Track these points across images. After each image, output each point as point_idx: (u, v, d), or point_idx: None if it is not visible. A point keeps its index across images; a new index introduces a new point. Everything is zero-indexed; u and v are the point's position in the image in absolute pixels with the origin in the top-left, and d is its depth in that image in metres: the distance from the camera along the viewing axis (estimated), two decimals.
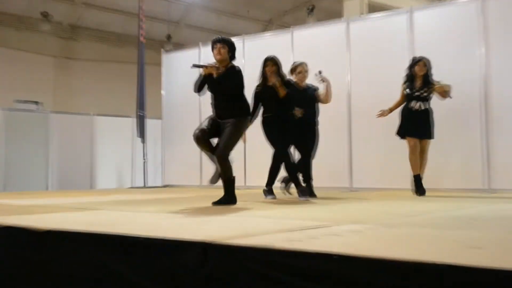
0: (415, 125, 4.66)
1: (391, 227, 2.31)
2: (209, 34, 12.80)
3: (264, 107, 4.33)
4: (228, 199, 3.67)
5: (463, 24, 5.50)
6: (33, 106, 9.10)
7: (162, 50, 8.72)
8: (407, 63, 5.71)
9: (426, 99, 4.70)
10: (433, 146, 5.55)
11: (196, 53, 7.73)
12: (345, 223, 2.44)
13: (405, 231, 2.18)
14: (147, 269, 1.91)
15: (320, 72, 4.58)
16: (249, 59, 6.97)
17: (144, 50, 8.53)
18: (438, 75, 5.58)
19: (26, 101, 8.96)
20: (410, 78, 4.72)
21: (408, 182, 5.11)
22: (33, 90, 11.64)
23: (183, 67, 7.68)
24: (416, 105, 4.66)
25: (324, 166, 5.34)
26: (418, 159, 4.73)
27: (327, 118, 5.26)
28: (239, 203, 3.77)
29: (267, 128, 4.26)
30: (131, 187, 8.52)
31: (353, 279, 1.45)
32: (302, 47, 6.38)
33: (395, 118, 4.90)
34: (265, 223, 2.53)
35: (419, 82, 4.69)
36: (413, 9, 5.87)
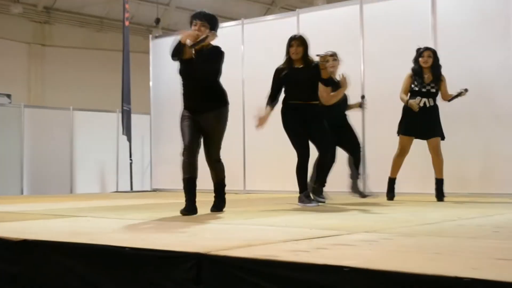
0: (417, 123, 4.66)
1: (408, 236, 2.33)
2: None
3: (286, 93, 4.23)
4: (224, 204, 3.75)
5: (495, 6, 5.50)
6: (4, 100, 9.12)
7: (150, 35, 8.73)
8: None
9: (434, 95, 4.73)
10: (456, 147, 5.58)
11: None
12: (358, 232, 2.46)
13: (424, 241, 2.20)
14: (133, 284, 1.93)
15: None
16: (249, 46, 6.99)
17: (129, 36, 8.54)
18: (462, 64, 5.61)
19: None
20: (418, 72, 4.71)
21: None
22: (4, 81, 11.65)
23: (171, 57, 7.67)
24: (420, 101, 4.68)
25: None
26: (401, 163, 4.83)
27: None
28: (239, 209, 3.80)
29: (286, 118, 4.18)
30: (116, 192, 8.55)
31: None
32: (310, 33, 6.29)
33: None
34: (268, 232, 2.55)
35: (428, 75, 4.71)
36: None
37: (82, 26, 13.06)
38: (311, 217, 3.38)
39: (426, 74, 4.71)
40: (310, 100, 4.16)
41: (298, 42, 4.16)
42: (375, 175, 5.68)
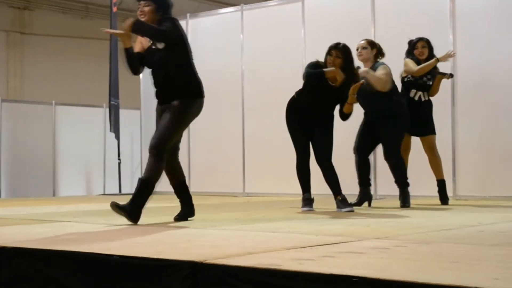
0: (413, 120, 4.62)
1: (424, 244, 2.34)
2: (199, 3, 12.84)
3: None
4: (130, 211, 3.21)
5: None
6: None
7: None
8: (448, 38, 5.74)
9: (428, 89, 4.73)
10: (476, 147, 5.58)
11: (183, 26, 7.73)
12: (368, 239, 2.47)
13: (440, 249, 2.21)
14: None
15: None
16: (249, 35, 6.99)
17: (117, 23, 8.54)
18: (485, 54, 5.61)
19: None
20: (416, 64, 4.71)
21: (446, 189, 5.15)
22: None
23: None
24: (415, 94, 4.69)
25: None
26: (407, 161, 4.78)
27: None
28: (238, 214, 3.80)
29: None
30: (103, 194, 8.56)
31: None
32: (316, 20, 6.39)
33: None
34: (269, 239, 2.56)
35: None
36: None
37: (65, 12, 13.06)
38: (317, 222, 3.40)
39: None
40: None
41: (337, 53, 4.12)
42: (386, 177, 5.69)
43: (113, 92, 8.22)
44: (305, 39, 6.38)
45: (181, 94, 3.38)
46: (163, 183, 7.92)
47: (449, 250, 2.18)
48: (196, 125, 7.47)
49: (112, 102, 8.24)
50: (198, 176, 7.47)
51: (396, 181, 4.55)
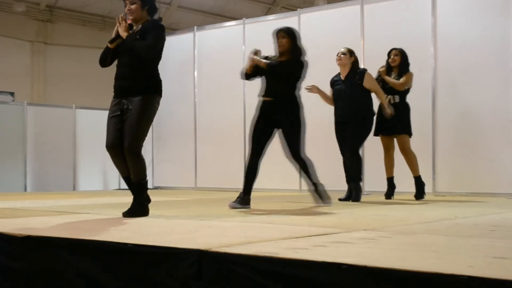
0: (383, 121, 4.70)
1: (407, 235, 2.34)
2: (205, 16, 12.83)
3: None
4: (140, 210, 3.16)
5: (492, 7, 5.51)
6: (7, 98, 9.14)
7: None
8: (429, 50, 5.76)
9: (399, 92, 4.76)
10: (453, 148, 5.59)
11: (190, 38, 7.75)
12: (356, 230, 2.48)
13: (422, 239, 2.22)
14: (135, 280, 1.94)
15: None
16: (250, 46, 6.96)
17: None
18: (461, 61, 5.62)
19: (1, 92, 9.00)
20: (388, 71, 4.84)
21: (426, 185, 5.15)
22: (7, 79, 11.67)
23: (176, 54, 7.70)
24: (387, 98, 4.74)
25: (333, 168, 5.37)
26: (391, 160, 4.80)
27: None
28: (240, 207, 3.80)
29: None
30: (118, 189, 8.56)
31: None
32: (311, 33, 6.38)
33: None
34: (268, 230, 2.56)
35: (395, 74, 4.81)
36: None
37: (84, 24, 13.07)
38: (310, 215, 3.40)
39: (394, 72, 4.82)
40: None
41: (282, 34, 3.91)
42: (372, 175, 5.71)
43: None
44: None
45: (146, 89, 3.17)
46: (167, 180, 7.86)
47: (429, 241, 2.18)
48: (201, 125, 7.53)
49: None
50: (203, 173, 7.47)
51: (351, 176, 4.50)
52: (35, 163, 8.42)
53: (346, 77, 4.63)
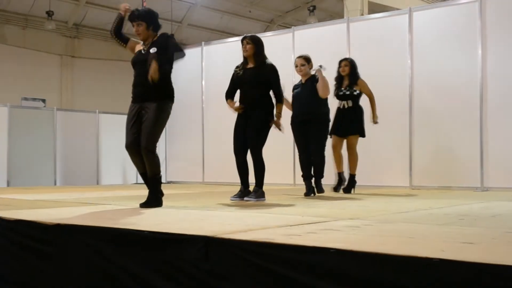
0: (339, 123, 4.65)
1: (386, 223, 2.34)
2: (211, 33, 12.84)
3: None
4: (155, 201, 3.17)
5: (461, 25, 5.52)
6: (40, 104, 9.14)
7: None
8: (407, 62, 5.78)
9: (351, 98, 4.69)
10: (428, 146, 5.61)
11: (198, 52, 7.76)
12: (343, 219, 2.47)
13: (400, 227, 2.21)
14: (151, 262, 1.94)
15: (320, 66, 4.35)
16: None
17: None
18: (435, 73, 5.63)
19: (34, 99, 9.00)
20: (339, 80, 4.76)
21: (403, 180, 5.15)
22: (39, 88, 11.68)
23: (185, 66, 7.70)
24: (341, 104, 4.71)
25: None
26: (340, 156, 4.71)
27: None
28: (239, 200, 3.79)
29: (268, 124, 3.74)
30: (135, 183, 8.56)
31: (350, 273, 1.48)
32: (303, 47, 6.38)
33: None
34: (266, 219, 2.56)
35: (346, 82, 4.74)
36: (413, 9, 5.88)
37: (106, 40, 13.06)
38: (303, 206, 3.39)
39: (345, 81, 4.74)
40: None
41: (248, 40, 3.77)
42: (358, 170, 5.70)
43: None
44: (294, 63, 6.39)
45: (162, 96, 3.16)
46: (178, 175, 7.86)
47: (406, 228, 2.18)
48: (208, 127, 7.52)
49: None
50: (209, 169, 7.48)
51: (316, 173, 4.35)
52: (63, 161, 8.42)
53: (306, 81, 4.45)
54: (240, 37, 3.76)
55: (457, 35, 5.53)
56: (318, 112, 4.36)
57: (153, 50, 3.16)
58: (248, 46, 3.80)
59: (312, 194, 4.34)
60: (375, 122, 4.79)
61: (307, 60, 4.47)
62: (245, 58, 3.82)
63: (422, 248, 1.58)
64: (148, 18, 3.23)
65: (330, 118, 4.51)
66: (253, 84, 3.72)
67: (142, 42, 3.29)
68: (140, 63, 3.22)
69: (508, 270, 1.27)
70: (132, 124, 3.23)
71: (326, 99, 4.42)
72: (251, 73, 3.76)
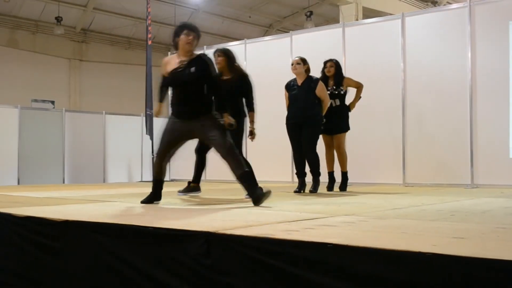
0: (328, 122, 4.52)
1: (381, 219, 2.33)
2: (213, 37, 12.82)
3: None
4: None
5: (451, 29, 5.52)
6: (49, 105, 9.13)
7: (168, 52, 8.73)
8: (399, 65, 5.78)
9: (338, 97, 4.60)
10: (424, 144, 5.60)
11: None
12: (339, 215, 2.46)
13: (393, 223, 2.21)
14: (155, 257, 1.93)
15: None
16: (250, 62, 6.99)
17: (151, 53, 8.54)
18: (427, 75, 5.63)
19: (43, 101, 8.99)
20: (324, 80, 4.61)
21: (397, 177, 5.14)
22: (48, 90, 11.68)
23: None
24: (329, 102, 4.55)
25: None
26: (332, 156, 4.64)
27: None
28: (242, 196, 3.79)
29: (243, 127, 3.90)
30: (141, 181, 8.56)
31: (346, 266, 1.48)
32: (301, 51, 6.37)
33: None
34: (265, 215, 2.55)
35: (331, 82, 4.63)
36: (405, 15, 5.88)
37: (113, 44, 13.07)
38: (301, 203, 3.39)
39: (331, 81, 4.64)
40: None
41: (219, 53, 3.82)
42: (352, 168, 5.69)
43: (149, 104, 8.21)
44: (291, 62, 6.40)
45: (208, 110, 3.16)
46: (181, 174, 7.86)
47: (400, 224, 2.17)
48: None
49: (147, 112, 8.23)
50: (211, 167, 7.47)
51: (311, 171, 4.32)
52: (71, 160, 8.42)
53: (302, 83, 4.39)
54: (242, 41, 3.76)
55: (448, 39, 5.53)
56: (313, 114, 4.33)
57: (193, 69, 3.12)
58: (219, 59, 3.85)
59: (302, 191, 4.29)
60: (350, 109, 4.69)
61: (303, 60, 4.44)
62: (219, 70, 3.78)
63: (414, 243, 1.58)
64: (199, 35, 3.20)
65: (322, 118, 4.44)
66: (230, 95, 3.70)
67: (172, 58, 3.20)
68: (181, 81, 3.14)
69: (498, 264, 1.26)
70: (170, 137, 3.19)
71: (320, 99, 4.38)
72: (227, 84, 3.77)
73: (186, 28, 3.18)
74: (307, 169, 4.39)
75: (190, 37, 3.14)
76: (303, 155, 4.36)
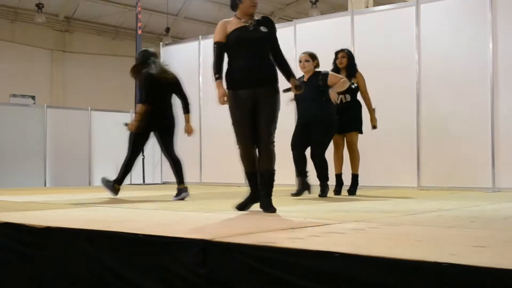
0: (339, 120, 4.43)
1: (393, 226, 2.33)
2: (209, 26, 12.81)
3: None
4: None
5: (471, 18, 5.51)
6: (29, 101, 9.13)
7: (160, 43, 8.73)
8: (414, 57, 5.77)
9: (349, 91, 4.52)
10: (440, 143, 5.60)
11: (196, 46, 7.74)
12: (347, 221, 2.47)
13: (407, 230, 2.21)
14: (146, 267, 1.93)
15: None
16: None
17: (141, 43, 8.54)
18: (444, 68, 5.62)
19: (23, 96, 8.99)
20: (336, 72, 4.54)
21: (410, 180, 5.13)
22: (29, 84, 11.68)
23: (183, 60, 7.69)
24: (338, 98, 4.49)
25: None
26: (340, 157, 4.58)
27: None
28: (241, 200, 3.79)
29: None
30: (130, 184, 8.55)
31: (355, 278, 1.47)
32: (305, 41, 6.38)
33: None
34: (267, 221, 2.55)
35: (344, 74, 4.54)
36: (420, 1, 5.87)
37: (99, 34, 13.06)
38: (306, 208, 3.39)
39: (343, 73, 4.57)
40: None
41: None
42: (361, 171, 5.69)
43: (138, 100, 8.20)
44: (296, 58, 6.38)
45: (275, 79, 2.97)
46: (173, 176, 7.80)
47: (414, 231, 2.17)
48: (206, 126, 7.51)
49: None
50: (207, 170, 7.47)
51: (318, 176, 4.33)
52: (54, 160, 8.42)
53: (309, 79, 4.37)
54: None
55: (467, 28, 5.52)
56: (324, 112, 4.28)
57: (264, 29, 2.98)
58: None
59: (307, 191, 4.28)
60: (374, 126, 4.64)
61: (312, 56, 4.41)
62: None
63: (431, 252, 1.58)
64: None
65: (336, 117, 4.38)
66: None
67: (231, 21, 3.02)
68: (255, 39, 2.95)
69: None
70: (246, 113, 2.97)
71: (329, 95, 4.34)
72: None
73: None
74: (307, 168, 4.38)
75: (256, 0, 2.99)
76: (303, 151, 4.34)
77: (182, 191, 4.20)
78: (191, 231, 2.09)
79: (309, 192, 4.32)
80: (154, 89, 4.28)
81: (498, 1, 5.33)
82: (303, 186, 4.31)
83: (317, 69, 4.43)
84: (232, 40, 2.97)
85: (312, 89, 4.28)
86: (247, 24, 2.99)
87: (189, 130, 4.56)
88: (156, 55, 4.53)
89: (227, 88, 3.01)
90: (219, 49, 3.01)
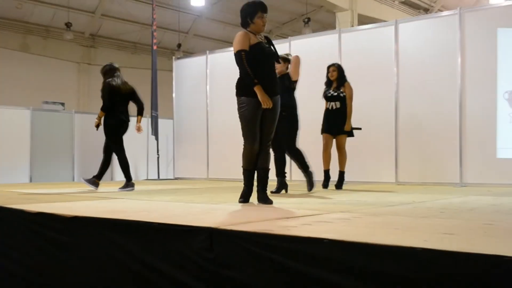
0: (328, 123, 4.60)
1: (375, 216, 2.34)
2: (215, 43, 12.84)
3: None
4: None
5: (441, 36, 5.53)
6: (59, 107, 9.14)
7: (173, 57, 8.74)
8: (393, 70, 5.78)
9: (338, 99, 4.62)
10: (416, 144, 5.60)
11: (203, 59, 7.75)
12: (335, 212, 2.47)
13: (386, 219, 2.21)
14: (160, 251, 1.94)
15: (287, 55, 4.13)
16: None
17: (156, 57, 8.55)
18: (418, 79, 5.63)
19: (54, 102, 9.01)
20: (328, 83, 4.72)
21: (389, 176, 5.13)
22: (59, 93, 11.68)
23: (192, 72, 7.73)
24: (329, 105, 4.65)
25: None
26: (328, 155, 4.63)
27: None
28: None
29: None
30: (146, 179, 8.56)
31: (341, 261, 1.48)
32: (299, 55, 6.39)
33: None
34: (265, 212, 2.55)
35: (334, 85, 4.69)
36: (398, 21, 5.89)
37: (120, 49, 13.07)
38: (299, 200, 3.39)
39: (334, 84, 4.69)
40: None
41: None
42: (347, 166, 5.68)
43: (154, 106, 8.22)
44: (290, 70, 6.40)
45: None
46: (185, 172, 7.84)
47: (392, 220, 2.17)
48: (212, 128, 7.52)
49: (153, 114, 8.24)
50: (213, 166, 7.48)
51: (301, 167, 4.14)
52: (80, 159, 8.43)
53: (280, 77, 4.14)
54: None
55: (439, 45, 5.53)
56: (289, 105, 4.11)
57: (272, 47, 3.03)
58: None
59: (284, 191, 4.15)
60: (345, 130, 4.61)
61: (284, 59, 4.23)
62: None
63: (406, 238, 1.59)
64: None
65: (298, 113, 4.23)
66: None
67: (248, 33, 2.99)
68: (271, 55, 3.00)
69: (485, 259, 1.27)
70: (259, 118, 2.98)
71: (294, 93, 4.21)
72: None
73: (260, 10, 2.99)
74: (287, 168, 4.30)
75: (265, 19, 3.03)
76: (283, 154, 4.16)
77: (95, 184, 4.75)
78: (199, 220, 2.09)
79: (286, 191, 4.18)
80: (116, 96, 4.85)
81: (465, 22, 5.36)
82: (281, 185, 4.20)
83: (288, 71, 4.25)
84: (257, 52, 2.93)
85: (282, 86, 4.02)
86: (262, 40, 3.02)
87: (139, 129, 5.10)
88: (119, 70, 5.06)
89: (245, 95, 2.97)
90: (247, 56, 2.94)
